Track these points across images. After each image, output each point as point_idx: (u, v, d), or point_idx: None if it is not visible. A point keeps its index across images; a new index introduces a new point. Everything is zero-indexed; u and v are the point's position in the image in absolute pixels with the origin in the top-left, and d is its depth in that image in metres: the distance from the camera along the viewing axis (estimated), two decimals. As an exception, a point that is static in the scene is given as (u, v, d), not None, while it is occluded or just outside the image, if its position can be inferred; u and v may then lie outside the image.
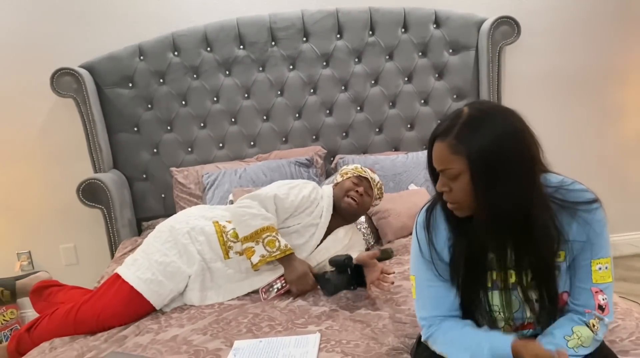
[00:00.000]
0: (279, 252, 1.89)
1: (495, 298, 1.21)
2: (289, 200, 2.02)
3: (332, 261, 1.81)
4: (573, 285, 1.19)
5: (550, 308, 1.19)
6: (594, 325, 1.15)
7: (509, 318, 1.21)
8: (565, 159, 2.84)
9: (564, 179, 1.18)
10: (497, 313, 1.21)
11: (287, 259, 1.91)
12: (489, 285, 1.20)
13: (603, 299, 1.16)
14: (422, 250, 1.25)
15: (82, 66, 2.76)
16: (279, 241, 1.91)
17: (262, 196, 2.00)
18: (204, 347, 1.55)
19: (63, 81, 2.65)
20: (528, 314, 1.20)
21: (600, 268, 1.17)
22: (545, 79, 3.09)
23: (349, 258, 1.79)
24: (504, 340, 1.12)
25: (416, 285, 1.28)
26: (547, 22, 3.04)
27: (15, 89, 2.85)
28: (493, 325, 1.22)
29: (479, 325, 1.24)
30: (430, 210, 1.26)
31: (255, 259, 1.89)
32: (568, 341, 1.14)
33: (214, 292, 1.92)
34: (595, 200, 1.15)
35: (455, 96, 3.01)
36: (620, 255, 3.22)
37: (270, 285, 1.91)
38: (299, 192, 2.06)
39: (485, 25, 2.86)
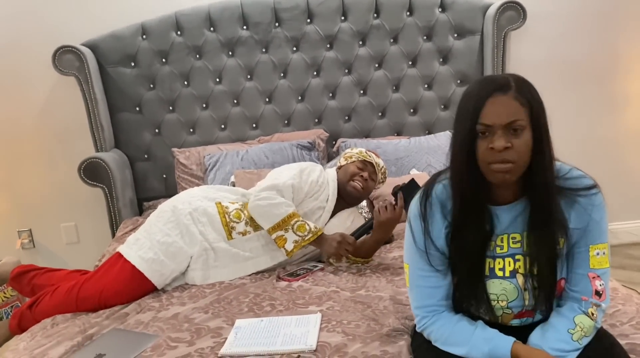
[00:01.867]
0: (311, 235, 1.91)
1: (493, 287, 1.20)
2: (300, 187, 2.03)
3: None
4: (570, 272, 1.18)
5: (549, 295, 1.19)
6: (592, 313, 1.15)
7: (506, 307, 1.21)
8: (567, 146, 2.83)
9: (562, 166, 1.18)
10: (495, 301, 1.21)
11: (319, 239, 1.92)
12: (487, 273, 1.20)
13: (600, 285, 1.16)
14: (417, 240, 1.23)
15: (84, 44, 2.74)
16: (307, 225, 1.92)
17: (279, 185, 1.98)
18: (206, 325, 1.55)
19: (65, 58, 2.63)
20: (526, 302, 1.20)
21: (598, 254, 1.17)
22: (550, 66, 3.07)
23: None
24: (505, 343, 1.14)
25: (410, 274, 1.27)
26: (553, 8, 3.01)
27: (17, 67, 2.84)
28: (491, 314, 1.22)
29: (475, 315, 1.24)
30: (424, 199, 1.23)
31: (289, 246, 1.90)
32: (573, 334, 1.14)
33: (218, 271, 1.93)
34: (594, 186, 1.16)
35: (459, 81, 2.99)
36: (620, 243, 3.23)
37: (294, 272, 1.94)
38: (308, 177, 2.07)
39: (491, 10, 2.83)
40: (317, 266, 1.98)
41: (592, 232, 1.16)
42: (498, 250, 1.20)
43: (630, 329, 1.35)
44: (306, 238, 1.91)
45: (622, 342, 1.28)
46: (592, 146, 3.16)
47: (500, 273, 1.20)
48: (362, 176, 2.10)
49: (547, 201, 1.13)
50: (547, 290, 1.18)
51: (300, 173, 2.06)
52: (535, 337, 1.17)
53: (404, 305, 1.59)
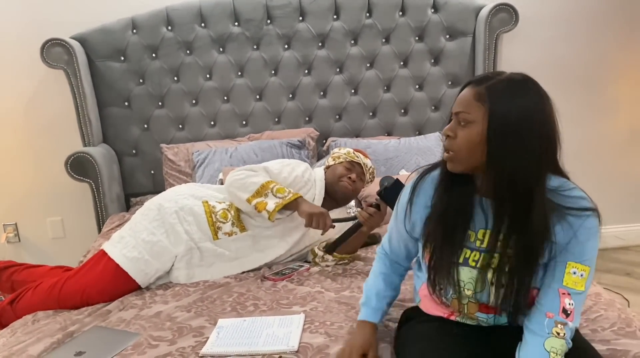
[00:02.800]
0: (291, 195, 1.89)
1: (463, 274, 1.21)
2: (281, 176, 2.01)
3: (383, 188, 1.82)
4: (543, 285, 1.16)
5: (517, 299, 1.16)
6: (558, 333, 1.11)
7: (471, 297, 1.22)
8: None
9: (565, 183, 1.16)
10: (464, 289, 1.22)
11: (300, 201, 1.90)
12: (460, 260, 1.21)
13: (569, 303, 1.12)
14: (399, 208, 1.35)
15: (73, 37, 2.71)
16: (287, 188, 1.92)
17: (254, 168, 2.00)
18: (188, 324, 1.54)
19: (54, 51, 2.60)
20: (492, 298, 1.19)
21: (574, 273, 1.13)
22: (541, 69, 3.02)
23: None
24: (371, 315, 1.36)
25: (389, 227, 1.44)
26: (545, 11, 3.01)
27: (4, 59, 2.80)
28: (460, 297, 1.23)
29: (446, 304, 1.27)
30: (424, 173, 1.30)
31: (270, 206, 1.86)
32: None
33: (203, 270, 1.91)
34: (590, 209, 1.13)
35: (450, 82, 2.99)
36: (606, 247, 3.25)
37: (279, 271, 1.93)
38: (292, 170, 2.05)
39: (484, 12, 2.83)
40: (302, 266, 1.97)
41: (573, 250, 1.13)
42: (478, 243, 1.20)
43: (612, 335, 1.35)
44: (286, 198, 1.88)
45: (602, 347, 1.28)
46: (581, 150, 3.17)
47: (472, 264, 1.20)
48: (350, 177, 2.09)
49: (507, 205, 1.12)
50: (515, 293, 1.16)
51: (282, 166, 2.06)
52: None
53: (387, 307, 1.59)
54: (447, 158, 1.17)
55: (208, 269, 1.92)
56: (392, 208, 1.81)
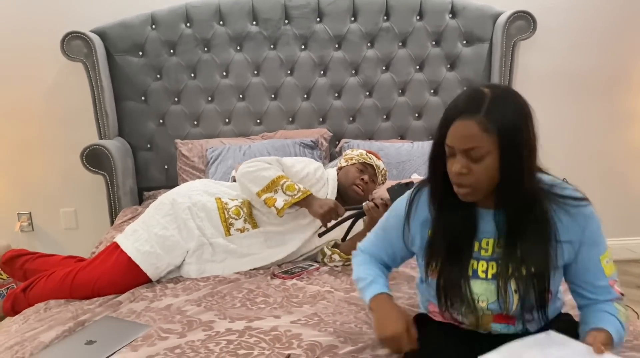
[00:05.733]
0: (300, 193, 1.91)
1: (475, 287, 1.21)
2: (293, 169, 2.03)
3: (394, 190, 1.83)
4: (589, 284, 1.22)
5: (533, 303, 1.18)
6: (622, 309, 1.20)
7: (486, 308, 1.22)
8: (568, 159, 2.84)
9: (553, 180, 1.20)
10: (477, 301, 1.21)
11: (309, 199, 1.92)
12: (470, 273, 1.21)
13: (619, 287, 1.22)
14: (393, 220, 1.35)
15: (93, 31, 2.74)
16: (297, 185, 1.93)
17: (267, 159, 2.02)
18: (197, 318, 1.55)
19: (73, 44, 2.64)
20: (506, 305, 1.19)
21: (607, 262, 1.21)
22: (557, 77, 3.06)
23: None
24: (374, 291, 1.29)
25: (375, 228, 1.44)
26: (563, 20, 3.00)
27: (25, 50, 2.84)
28: (475, 311, 1.22)
29: (457, 322, 1.27)
30: (420, 187, 1.30)
31: (279, 204, 1.89)
32: (620, 315, 1.18)
33: (214, 266, 1.92)
34: (586, 198, 1.19)
35: (465, 88, 2.96)
36: (618, 260, 3.20)
37: (289, 270, 1.93)
38: (305, 166, 2.07)
39: (502, 19, 2.83)
40: (312, 265, 1.98)
41: (596, 243, 1.19)
42: (482, 252, 1.21)
43: (623, 349, 1.35)
44: (296, 196, 1.90)
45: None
46: (594, 160, 3.15)
47: (482, 275, 1.21)
48: (362, 179, 2.10)
49: (519, 213, 1.14)
50: (531, 298, 1.17)
51: (294, 161, 2.08)
52: (588, 323, 1.19)
53: (396, 309, 1.59)
54: (465, 193, 1.13)
55: (219, 264, 1.93)
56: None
